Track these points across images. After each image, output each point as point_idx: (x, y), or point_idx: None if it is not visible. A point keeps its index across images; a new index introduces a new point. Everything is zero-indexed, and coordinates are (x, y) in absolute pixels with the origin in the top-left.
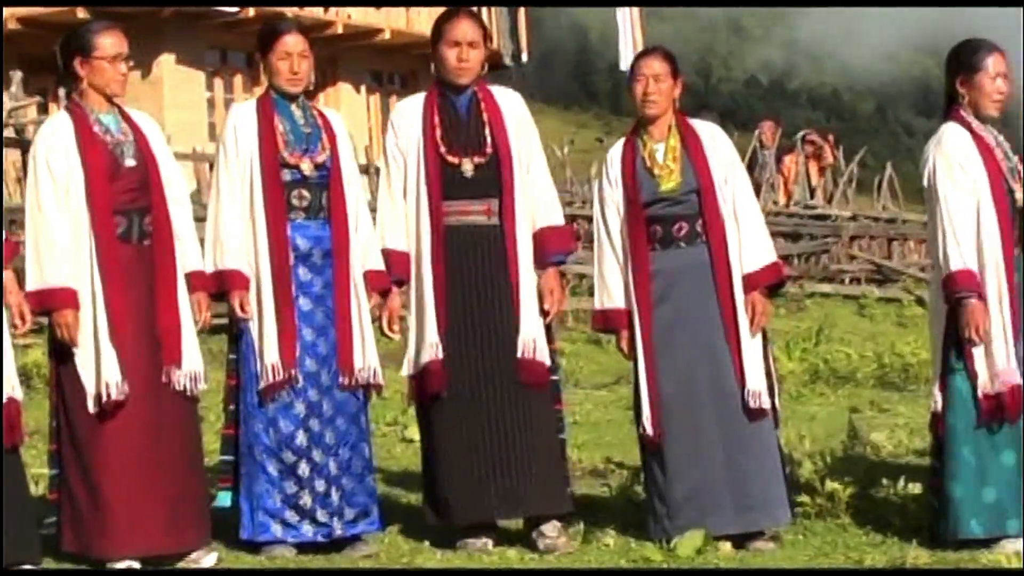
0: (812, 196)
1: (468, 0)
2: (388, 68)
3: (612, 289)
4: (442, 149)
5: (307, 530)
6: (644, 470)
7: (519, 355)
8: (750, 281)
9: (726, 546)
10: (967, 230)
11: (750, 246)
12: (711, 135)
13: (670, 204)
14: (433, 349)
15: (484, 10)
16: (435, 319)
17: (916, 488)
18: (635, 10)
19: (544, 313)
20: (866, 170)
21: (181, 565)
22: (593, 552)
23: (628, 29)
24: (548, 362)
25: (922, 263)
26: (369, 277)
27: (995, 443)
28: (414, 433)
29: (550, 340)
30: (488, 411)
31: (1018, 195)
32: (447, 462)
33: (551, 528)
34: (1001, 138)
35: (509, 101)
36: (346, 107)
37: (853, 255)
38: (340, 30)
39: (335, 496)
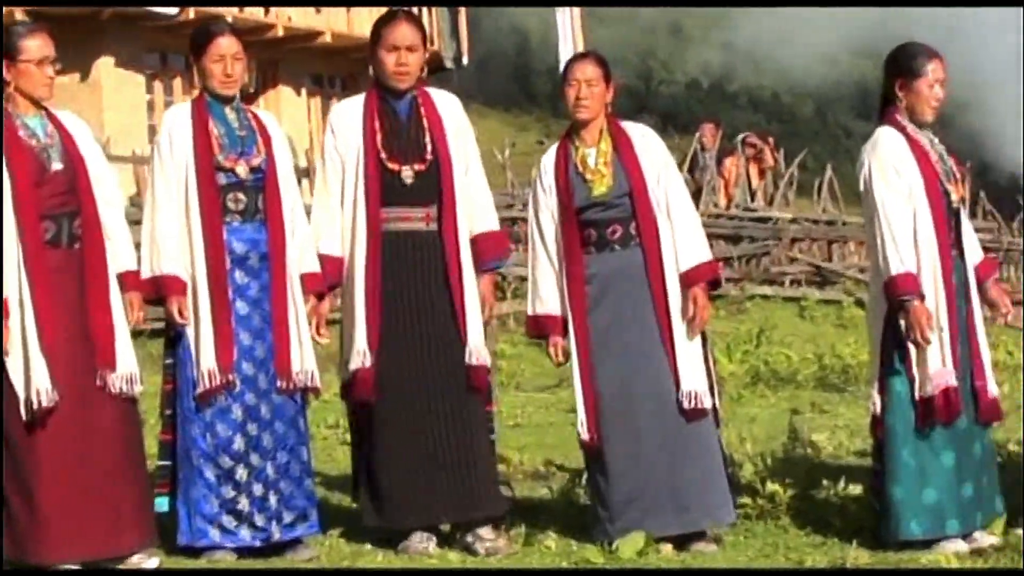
0: (752, 198)
1: (407, 0)
2: (329, 71)
3: (545, 295)
4: (383, 155)
5: (245, 535)
6: (587, 472)
7: (468, 361)
8: (687, 279)
9: (667, 548)
10: (905, 233)
11: (685, 245)
12: (642, 135)
13: (603, 208)
14: (360, 357)
15: (424, 12)
16: (365, 327)
17: (856, 489)
18: (575, 13)
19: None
20: (806, 172)
21: (122, 568)
22: (535, 554)
23: (568, 32)
24: (489, 365)
25: (862, 265)
26: (305, 279)
27: (934, 445)
28: None
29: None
30: (429, 415)
31: (954, 197)
32: (388, 466)
33: (488, 531)
34: (936, 140)
35: (448, 105)
36: (287, 110)
37: (793, 257)
38: (280, 33)
39: (273, 500)
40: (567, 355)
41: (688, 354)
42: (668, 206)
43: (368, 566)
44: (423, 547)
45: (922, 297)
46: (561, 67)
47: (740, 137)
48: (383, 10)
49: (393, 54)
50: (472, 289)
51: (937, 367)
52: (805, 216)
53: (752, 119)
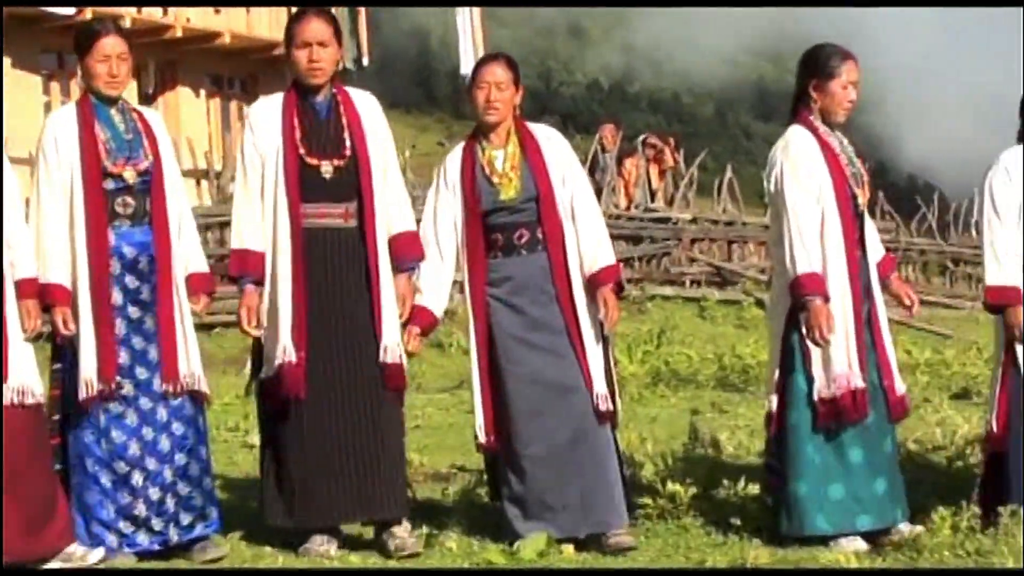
0: (653, 199)
1: (306, 1)
2: (228, 72)
3: (425, 289)
4: (301, 151)
5: (142, 539)
6: (490, 473)
7: (383, 359)
8: (593, 282)
9: (568, 548)
10: (813, 234)
11: (590, 249)
12: (548, 138)
13: (510, 212)
14: (288, 352)
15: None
16: (290, 321)
17: (756, 488)
18: (476, 14)
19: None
20: (706, 173)
21: (61, 563)
22: (436, 555)
23: (468, 33)
24: (407, 366)
25: (762, 265)
26: (192, 280)
27: (840, 441)
28: (255, 438)
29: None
30: (344, 414)
31: (860, 200)
32: (298, 464)
33: (402, 529)
34: (846, 142)
35: (367, 105)
36: (186, 111)
37: (693, 258)
38: (179, 34)
39: (171, 503)
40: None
41: (595, 357)
42: (573, 209)
43: (270, 567)
44: (323, 549)
45: (826, 298)
46: (462, 69)
47: (640, 138)
48: (282, 11)
49: (305, 50)
50: (389, 287)
51: (842, 368)
52: (705, 216)
53: (652, 120)
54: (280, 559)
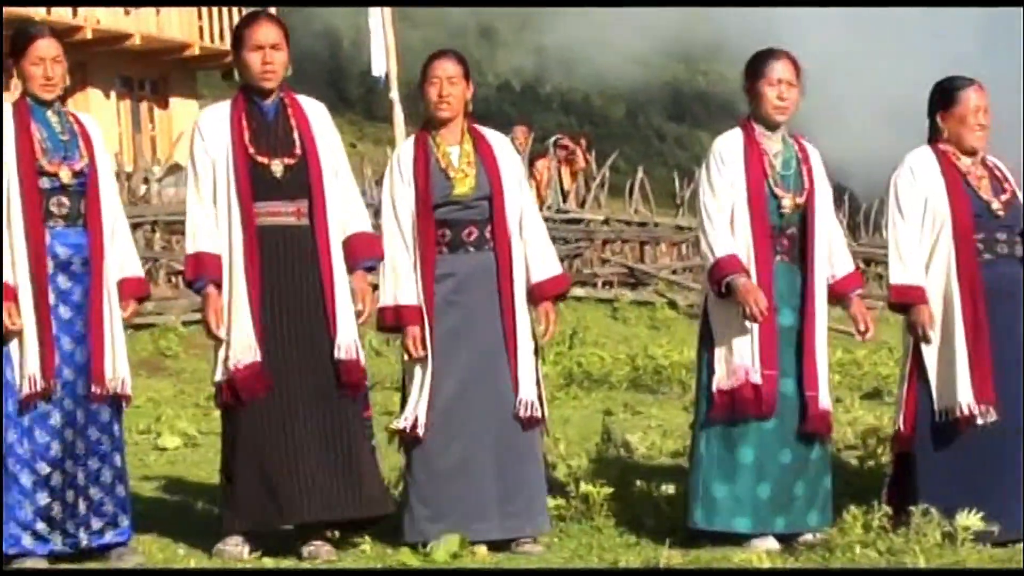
0: (565, 200)
1: (216, 1)
2: (138, 74)
3: (405, 284)
4: (251, 150)
5: (56, 541)
6: (407, 471)
7: (339, 357)
8: (540, 291)
9: (482, 549)
10: (722, 223)
11: (538, 257)
12: (500, 143)
13: (460, 208)
14: (251, 351)
15: (235, 13)
16: (250, 320)
17: (670, 489)
18: (387, 16)
19: (356, 315)
20: (618, 174)
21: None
22: (350, 558)
23: (380, 35)
24: (364, 364)
25: (674, 266)
26: (124, 285)
27: (733, 440)
28: (167, 441)
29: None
30: (303, 413)
31: (785, 203)
32: (262, 466)
33: (317, 536)
34: (793, 146)
35: (315, 109)
36: (96, 113)
37: (606, 259)
38: (89, 35)
39: (83, 507)
40: (425, 346)
41: (526, 363)
42: (523, 216)
43: (183, 567)
44: (237, 551)
45: (748, 274)
46: (373, 71)
47: (552, 139)
48: (192, 12)
49: (258, 53)
50: (343, 285)
51: (742, 361)
52: (617, 218)
53: (564, 121)
54: (192, 561)
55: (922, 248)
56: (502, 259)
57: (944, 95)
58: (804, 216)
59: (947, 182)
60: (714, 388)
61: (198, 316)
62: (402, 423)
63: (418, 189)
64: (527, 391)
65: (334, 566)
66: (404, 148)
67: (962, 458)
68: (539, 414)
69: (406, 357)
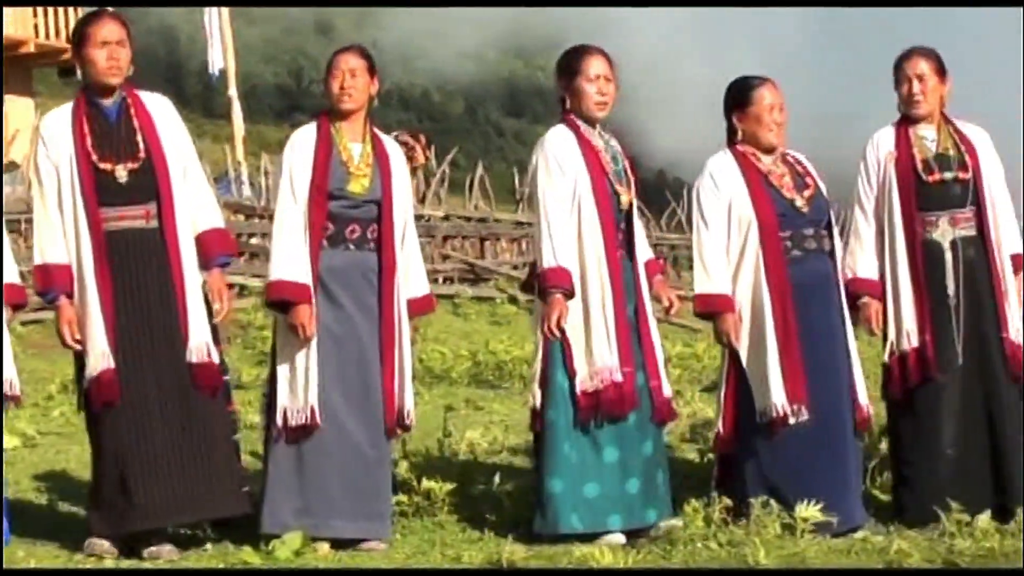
0: None
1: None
2: None
3: (296, 261)
4: (94, 157)
5: None
6: (272, 462)
7: (191, 359)
8: (415, 307)
9: (324, 547)
10: (563, 228)
11: (412, 273)
12: (397, 151)
13: (349, 205)
14: (104, 359)
15: (70, 12)
16: (103, 327)
17: (510, 485)
18: (224, 13)
19: (214, 313)
20: (458, 170)
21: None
22: (192, 557)
23: (216, 32)
24: (219, 363)
25: (515, 262)
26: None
27: (597, 440)
28: (5, 442)
29: (217, 341)
30: (160, 416)
31: (623, 199)
32: (120, 469)
33: (157, 538)
34: (614, 142)
35: (160, 106)
36: None
37: (446, 255)
38: None
39: None
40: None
41: (404, 370)
42: (405, 227)
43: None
44: (101, 549)
45: (569, 295)
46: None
47: (392, 135)
48: (27, 10)
49: (104, 50)
50: (195, 286)
51: (603, 362)
52: (457, 214)
53: (404, 117)
54: (33, 561)
55: (730, 254)
56: (387, 262)
57: (738, 95)
58: (628, 211)
59: (749, 184)
60: (578, 391)
61: (36, 316)
62: (308, 418)
63: (315, 174)
64: (404, 399)
65: (176, 565)
66: (306, 130)
67: (782, 456)
68: (412, 422)
69: (299, 336)
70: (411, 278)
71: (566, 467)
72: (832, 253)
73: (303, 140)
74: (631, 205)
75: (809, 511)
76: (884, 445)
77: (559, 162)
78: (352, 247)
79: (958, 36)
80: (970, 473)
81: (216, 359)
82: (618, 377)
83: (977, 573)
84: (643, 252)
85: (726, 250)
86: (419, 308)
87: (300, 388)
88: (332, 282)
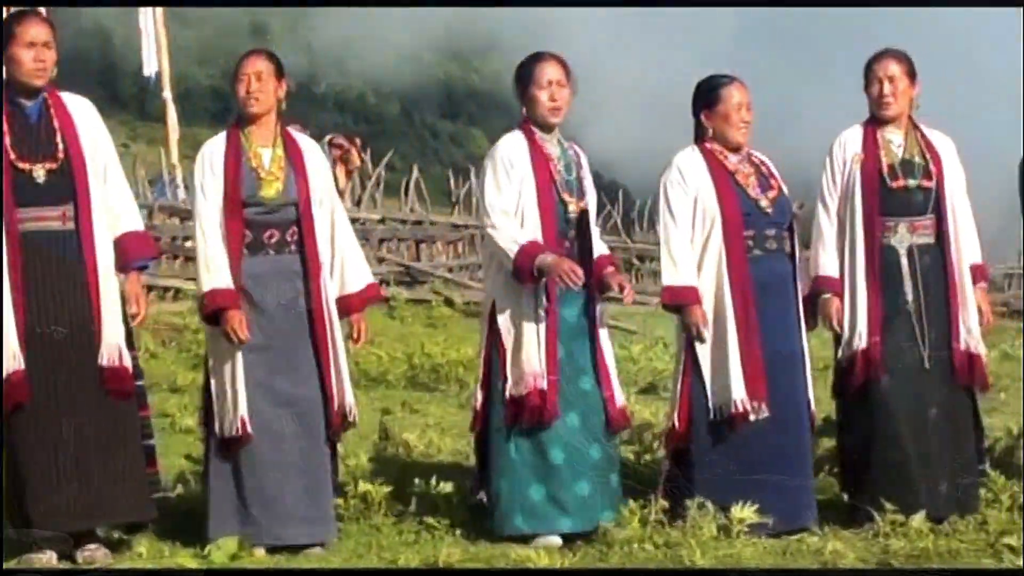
0: (341, 199)
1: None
2: None
3: (222, 270)
4: (12, 156)
5: None
6: (211, 474)
7: (102, 363)
8: (352, 303)
9: (259, 551)
10: (509, 229)
11: (350, 267)
12: (311, 150)
13: (265, 211)
14: (15, 360)
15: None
16: (14, 329)
17: (448, 487)
18: (158, 15)
19: (131, 317)
20: (393, 173)
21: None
22: (126, 560)
23: (151, 33)
24: (131, 368)
25: (450, 264)
26: None
27: (542, 442)
28: None
29: (131, 346)
30: (72, 419)
31: (571, 208)
32: (31, 473)
33: (91, 539)
34: (574, 151)
35: (80, 108)
36: None
37: (382, 257)
38: None
39: None
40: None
41: (338, 368)
42: (334, 225)
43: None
44: (45, 557)
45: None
46: (145, 70)
47: (327, 138)
48: None
49: (31, 51)
50: (110, 289)
51: (531, 368)
52: (392, 216)
53: (339, 120)
54: None
55: (694, 248)
56: (311, 263)
57: (706, 94)
58: (581, 220)
59: (715, 181)
60: (506, 395)
61: None
62: (239, 427)
63: (227, 185)
64: (344, 397)
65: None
66: (213, 143)
67: (737, 453)
68: (356, 418)
69: (225, 344)
70: (348, 272)
71: (511, 469)
72: (792, 255)
73: (212, 152)
74: (584, 214)
75: (744, 512)
76: (825, 443)
77: (506, 168)
78: (272, 252)
79: (900, 37)
80: (911, 475)
81: (128, 363)
82: (542, 384)
83: (911, 573)
84: (598, 251)
85: (691, 243)
86: (362, 301)
87: (229, 400)
88: (256, 289)
